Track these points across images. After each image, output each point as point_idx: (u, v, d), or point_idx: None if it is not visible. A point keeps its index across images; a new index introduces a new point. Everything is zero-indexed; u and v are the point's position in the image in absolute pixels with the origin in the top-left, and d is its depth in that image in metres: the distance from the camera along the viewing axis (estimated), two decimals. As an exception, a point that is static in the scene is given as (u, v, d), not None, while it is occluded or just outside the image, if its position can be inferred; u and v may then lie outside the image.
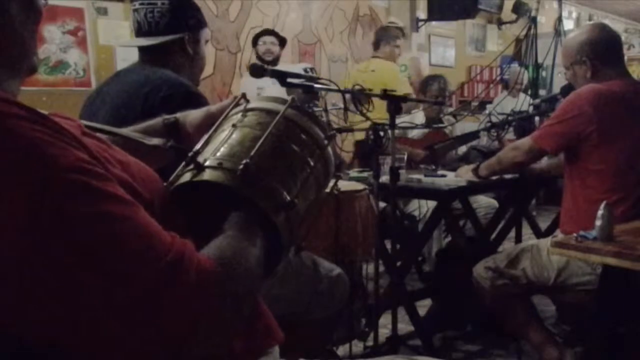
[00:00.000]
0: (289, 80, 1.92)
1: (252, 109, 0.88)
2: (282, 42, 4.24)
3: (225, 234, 0.74)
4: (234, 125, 0.85)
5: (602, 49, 2.17)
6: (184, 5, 1.71)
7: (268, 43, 4.17)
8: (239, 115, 0.88)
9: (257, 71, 1.81)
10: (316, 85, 2.01)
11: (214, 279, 0.66)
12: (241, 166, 0.75)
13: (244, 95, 0.91)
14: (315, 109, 2.83)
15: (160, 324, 0.61)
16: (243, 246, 0.73)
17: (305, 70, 3.65)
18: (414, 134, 3.54)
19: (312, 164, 0.86)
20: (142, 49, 1.72)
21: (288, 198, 0.79)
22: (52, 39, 3.70)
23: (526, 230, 3.28)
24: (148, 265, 0.61)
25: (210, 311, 0.65)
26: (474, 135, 3.17)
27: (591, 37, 2.19)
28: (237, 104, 0.91)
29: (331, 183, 0.96)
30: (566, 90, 2.49)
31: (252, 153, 0.78)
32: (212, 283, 0.65)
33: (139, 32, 1.69)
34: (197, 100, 1.49)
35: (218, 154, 0.80)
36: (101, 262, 0.59)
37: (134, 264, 0.61)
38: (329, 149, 0.90)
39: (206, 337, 0.65)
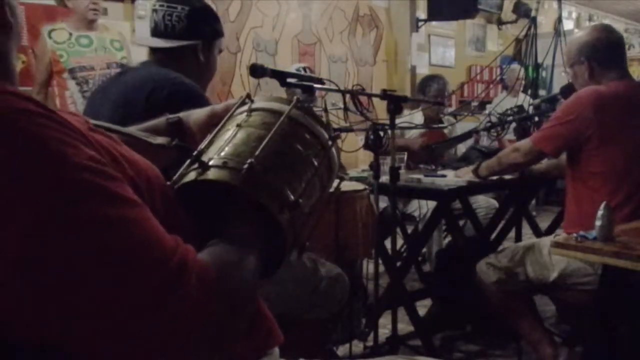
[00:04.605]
0: (289, 80, 1.92)
1: (256, 109, 0.88)
2: None
3: (224, 241, 0.73)
4: (238, 125, 0.85)
5: (603, 51, 2.17)
6: (203, 14, 1.72)
7: None
8: (244, 115, 0.88)
9: (257, 71, 1.81)
10: (316, 85, 2.01)
11: (213, 287, 0.66)
12: (246, 165, 0.75)
13: (248, 95, 0.91)
14: (315, 108, 2.84)
15: (160, 330, 0.61)
16: (241, 256, 0.73)
17: (298, 70, 3.65)
18: (412, 134, 3.54)
19: (316, 164, 0.85)
20: (153, 49, 1.72)
21: (292, 198, 0.78)
22: (52, 39, 3.69)
23: (526, 230, 3.28)
24: (153, 269, 0.61)
25: (207, 318, 0.64)
26: (469, 134, 3.16)
27: (593, 38, 2.19)
28: (242, 104, 0.91)
29: (335, 183, 0.96)
30: (566, 90, 2.49)
31: (256, 153, 0.78)
32: (211, 290, 0.65)
33: (154, 32, 1.70)
34: (200, 101, 1.49)
35: (223, 153, 0.79)
36: (106, 264, 0.59)
37: (139, 268, 0.60)
38: (333, 149, 0.90)
39: (202, 344, 0.64)
